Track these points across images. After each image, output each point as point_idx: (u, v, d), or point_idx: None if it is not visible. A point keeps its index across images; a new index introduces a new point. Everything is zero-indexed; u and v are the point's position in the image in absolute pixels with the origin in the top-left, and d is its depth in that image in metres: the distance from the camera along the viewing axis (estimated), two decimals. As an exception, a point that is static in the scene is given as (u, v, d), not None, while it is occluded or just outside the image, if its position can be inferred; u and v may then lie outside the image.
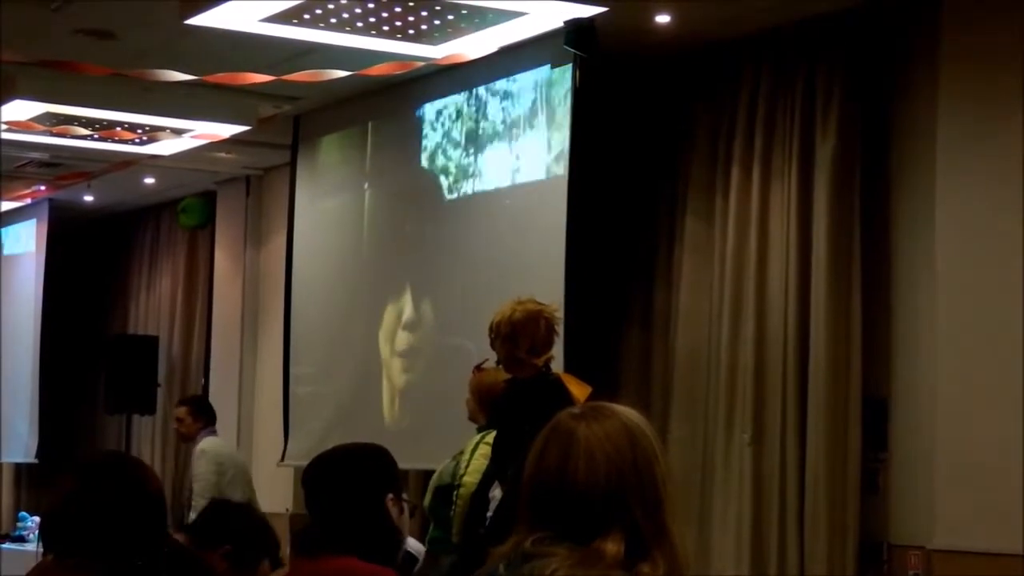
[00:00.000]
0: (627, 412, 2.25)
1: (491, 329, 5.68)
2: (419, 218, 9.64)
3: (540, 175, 8.51)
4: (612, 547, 2.10)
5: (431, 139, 9.44)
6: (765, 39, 8.04)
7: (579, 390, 5.49)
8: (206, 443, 8.74)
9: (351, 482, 3.35)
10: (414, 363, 9.60)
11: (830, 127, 7.66)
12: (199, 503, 8.41)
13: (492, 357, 5.94)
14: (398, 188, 9.86)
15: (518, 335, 5.57)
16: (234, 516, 4.28)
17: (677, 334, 8.47)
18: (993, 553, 6.77)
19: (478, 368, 6.40)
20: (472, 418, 6.44)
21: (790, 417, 7.69)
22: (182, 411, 8.94)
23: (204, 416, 8.90)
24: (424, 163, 9.51)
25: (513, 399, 5.52)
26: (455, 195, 9.25)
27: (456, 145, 9.21)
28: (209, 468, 8.67)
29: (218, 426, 8.97)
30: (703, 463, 8.21)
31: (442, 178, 9.34)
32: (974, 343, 7.00)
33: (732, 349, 8.04)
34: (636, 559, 2.11)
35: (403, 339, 9.68)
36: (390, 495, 3.38)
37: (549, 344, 5.66)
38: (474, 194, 9.08)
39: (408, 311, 9.62)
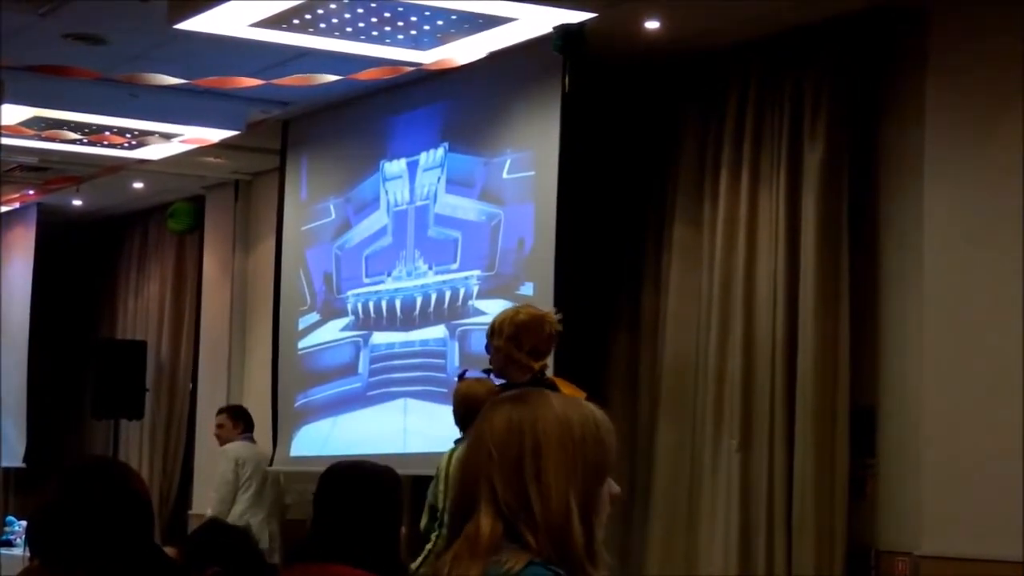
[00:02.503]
0: (546, 401, 2.17)
1: (491, 331, 5.55)
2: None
3: (529, 180, 8.50)
4: (485, 522, 2.08)
5: (418, 145, 9.42)
6: (754, 47, 8.04)
7: (573, 394, 5.45)
8: (229, 445, 9.66)
9: (375, 508, 3.32)
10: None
11: (818, 135, 7.66)
12: (213, 497, 9.57)
13: (474, 366, 5.90)
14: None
15: (521, 335, 5.47)
16: (229, 538, 4.20)
17: (665, 339, 8.46)
18: (980, 559, 6.77)
19: (460, 377, 6.31)
20: None
21: (778, 423, 7.69)
22: (222, 418, 9.90)
23: (242, 423, 9.83)
24: (412, 168, 9.51)
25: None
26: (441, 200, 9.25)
27: (444, 151, 9.20)
28: (228, 467, 9.57)
29: (207, 429, 9.21)
30: (691, 469, 8.21)
31: (429, 184, 9.32)
32: (961, 350, 7.01)
33: (720, 355, 8.04)
34: (520, 536, 2.08)
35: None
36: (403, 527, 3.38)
37: (549, 349, 5.58)
38: (461, 199, 9.08)
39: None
